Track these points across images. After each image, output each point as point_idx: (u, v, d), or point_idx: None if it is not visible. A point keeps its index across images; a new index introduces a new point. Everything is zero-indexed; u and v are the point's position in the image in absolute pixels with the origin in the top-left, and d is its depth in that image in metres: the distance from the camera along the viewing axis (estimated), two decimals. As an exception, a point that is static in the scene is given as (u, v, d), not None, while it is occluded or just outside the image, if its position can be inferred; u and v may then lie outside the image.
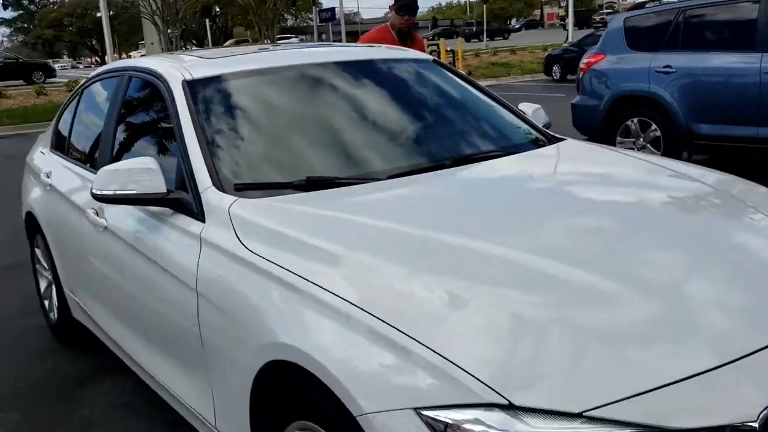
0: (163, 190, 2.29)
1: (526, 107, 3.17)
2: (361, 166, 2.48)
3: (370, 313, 1.62)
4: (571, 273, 1.72)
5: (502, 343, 1.52)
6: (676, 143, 6.55)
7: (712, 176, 2.56)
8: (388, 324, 1.58)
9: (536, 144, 2.86)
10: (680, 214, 2.24)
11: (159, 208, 2.38)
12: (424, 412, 1.43)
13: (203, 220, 2.22)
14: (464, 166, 2.53)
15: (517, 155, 2.69)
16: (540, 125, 3.04)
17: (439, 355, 1.47)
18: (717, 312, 1.63)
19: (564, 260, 1.78)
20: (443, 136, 2.78)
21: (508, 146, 2.80)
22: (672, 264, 1.82)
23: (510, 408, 1.38)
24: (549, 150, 2.80)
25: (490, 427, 1.37)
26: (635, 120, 6.92)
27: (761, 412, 1.38)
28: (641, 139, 6.86)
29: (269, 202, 2.19)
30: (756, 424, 1.37)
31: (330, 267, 1.83)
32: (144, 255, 2.43)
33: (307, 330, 1.72)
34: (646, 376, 1.43)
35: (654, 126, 6.80)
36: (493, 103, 3.12)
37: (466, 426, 1.39)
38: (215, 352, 2.08)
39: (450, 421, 1.41)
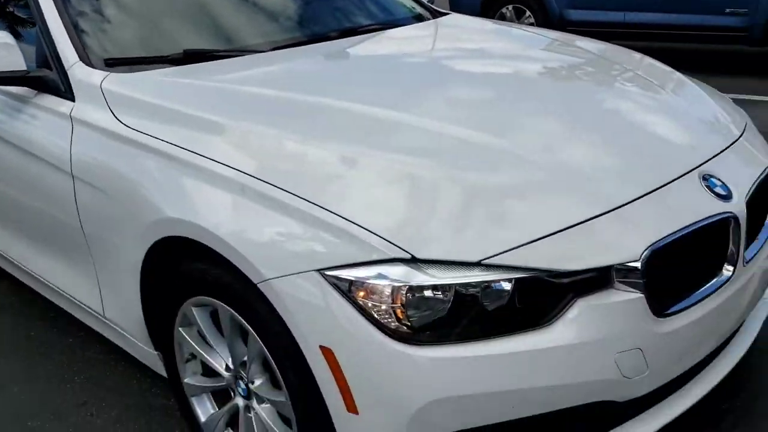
0: (23, 67, 2.08)
1: (409, -18, 3.10)
2: (241, 39, 2.35)
3: (264, 181, 1.57)
4: (460, 134, 1.73)
5: (400, 202, 1.52)
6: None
7: (591, 44, 2.64)
8: (283, 190, 1.54)
9: (420, 18, 2.82)
10: (561, 80, 2.29)
11: (20, 88, 2.16)
12: (328, 273, 1.43)
13: (73, 99, 2.04)
14: (349, 38, 2.46)
15: (401, 28, 2.65)
16: (423, 0, 3.00)
17: (340, 216, 1.46)
18: (596, 168, 1.68)
19: (452, 123, 1.79)
20: (327, 10, 2.68)
21: (392, 20, 2.75)
22: (555, 125, 1.86)
23: (412, 261, 1.40)
24: (433, 23, 2.78)
25: (393, 280, 1.39)
26: (510, 7, 6.99)
27: (642, 253, 1.48)
28: (516, 26, 6.96)
29: (145, 76, 2.04)
30: (638, 264, 1.46)
31: (217, 137, 1.75)
32: (7, 142, 2.22)
33: (197, 202, 1.65)
34: (537, 225, 1.47)
35: (528, 13, 6.91)
36: (376, -22, 3.02)
37: (371, 281, 1.40)
38: (97, 236, 1.97)
39: (354, 279, 1.41)
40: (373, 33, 2.56)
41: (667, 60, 2.85)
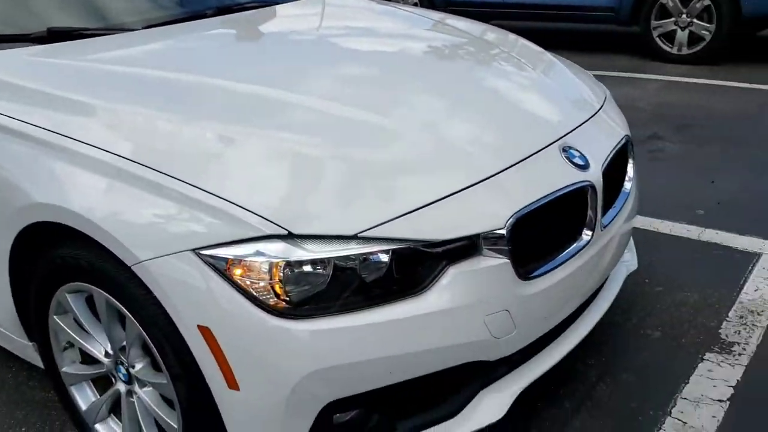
0: None
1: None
2: (111, 17, 2.27)
3: (138, 162, 1.54)
4: (340, 112, 1.75)
5: (277, 180, 1.52)
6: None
7: (471, 26, 2.72)
8: (157, 171, 1.51)
9: (300, -4, 2.81)
10: (442, 60, 2.35)
11: None
12: (204, 252, 1.42)
13: None
14: (226, 16, 2.43)
15: (281, 5, 2.64)
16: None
17: (215, 195, 1.45)
18: (467, 142, 1.74)
19: (332, 101, 1.80)
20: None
21: (271, -2, 2.73)
22: (433, 103, 1.91)
23: (289, 237, 1.42)
24: (316, 1, 2.77)
25: (271, 257, 1.41)
26: (395, -14, 7.07)
27: (507, 221, 1.57)
28: (401, 6, 7.05)
29: (6, 55, 1.94)
30: (504, 231, 1.55)
31: (88, 119, 1.70)
32: None
33: (67, 186, 1.59)
34: (410, 198, 1.53)
35: (413, -7, 7.02)
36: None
37: (249, 259, 1.41)
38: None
39: (231, 257, 1.41)
40: (253, 10, 2.54)
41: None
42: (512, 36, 2.71)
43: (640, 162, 3.88)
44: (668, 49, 6.13)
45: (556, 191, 1.67)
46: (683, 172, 3.73)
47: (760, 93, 5.14)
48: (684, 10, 5.94)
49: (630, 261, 2.28)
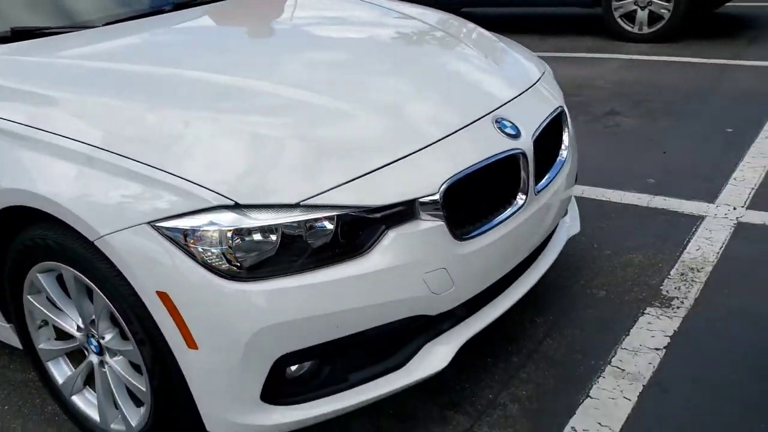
0: None
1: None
2: (72, 16, 2.38)
3: (102, 148, 1.65)
4: (294, 95, 1.86)
5: (228, 157, 1.64)
6: None
7: (431, 15, 2.84)
8: (119, 155, 1.63)
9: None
10: (404, 47, 2.46)
11: None
12: (159, 224, 1.55)
13: None
14: (187, 10, 2.54)
15: None
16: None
17: (171, 173, 1.58)
18: (408, 116, 1.86)
19: (285, 84, 1.91)
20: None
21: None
22: (380, 84, 2.02)
23: (236, 207, 1.55)
24: (269, -6, 2.89)
25: (221, 226, 1.54)
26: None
27: (440, 187, 1.70)
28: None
29: (-30, 55, 2.05)
30: (437, 196, 1.69)
31: (53, 110, 1.81)
32: None
33: (33, 172, 1.71)
34: (351, 168, 1.66)
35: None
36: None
37: (204, 229, 1.54)
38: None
39: (186, 228, 1.54)
40: (216, 2, 2.63)
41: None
42: (471, 24, 2.83)
43: (597, 136, 4.04)
44: (629, 28, 6.29)
45: (486, 159, 1.81)
46: (637, 144, 3.88)
47: (714, 67, 5.31)
48: (643, -10, 6.10)
49: (572, 225, 2.42)
